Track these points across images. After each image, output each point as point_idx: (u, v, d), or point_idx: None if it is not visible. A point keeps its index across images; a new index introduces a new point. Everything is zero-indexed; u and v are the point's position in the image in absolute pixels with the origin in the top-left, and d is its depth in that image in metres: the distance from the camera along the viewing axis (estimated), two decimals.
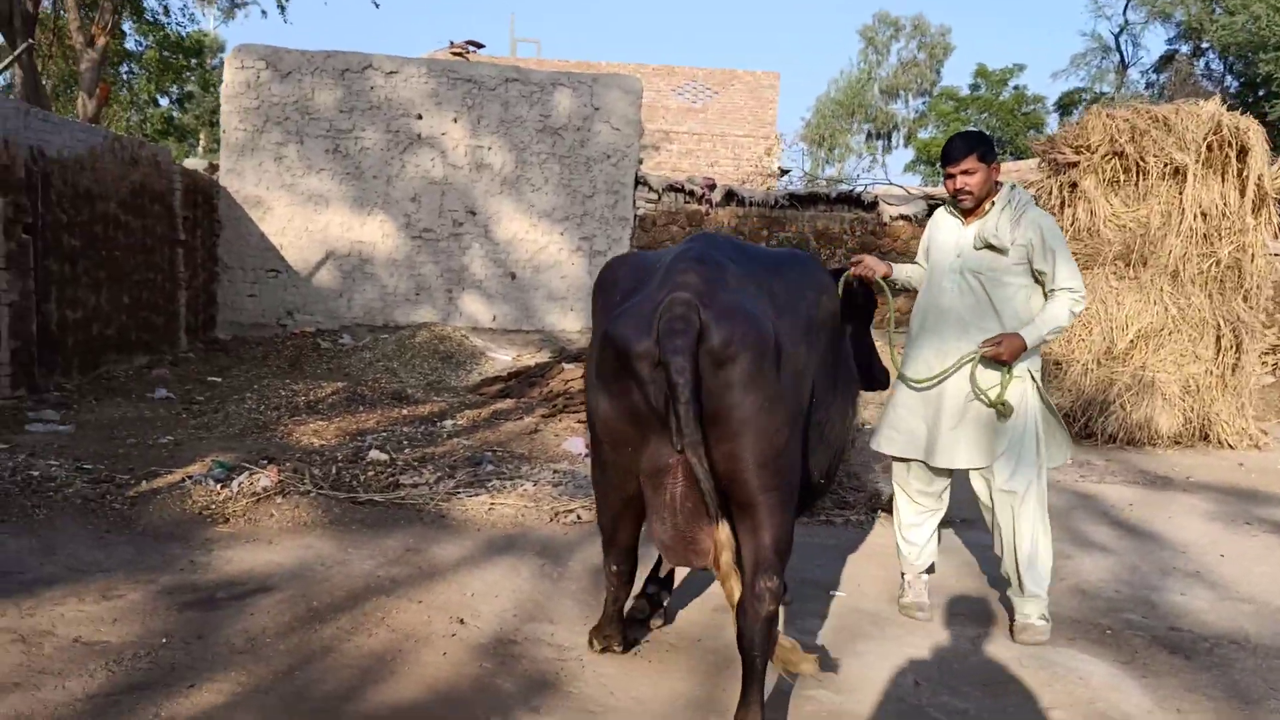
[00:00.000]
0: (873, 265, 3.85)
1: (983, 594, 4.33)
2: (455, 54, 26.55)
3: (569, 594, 4.10)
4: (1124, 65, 34.29)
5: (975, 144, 3.82)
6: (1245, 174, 8.51)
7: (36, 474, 5.51)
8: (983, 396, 3.70)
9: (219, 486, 5.21)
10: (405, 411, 8.47)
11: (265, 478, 5.31)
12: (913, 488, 3.99)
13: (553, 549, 4.71)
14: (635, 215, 12.35)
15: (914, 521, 4.01)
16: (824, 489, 3.70)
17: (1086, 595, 4.38)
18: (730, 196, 12.46)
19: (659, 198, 12.33)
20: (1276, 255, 14.55)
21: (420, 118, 12.06)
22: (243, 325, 12.34)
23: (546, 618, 3.81)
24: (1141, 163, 8.55)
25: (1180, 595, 4.39)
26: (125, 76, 27.07)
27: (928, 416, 3.85)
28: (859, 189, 12.98)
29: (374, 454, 6.38)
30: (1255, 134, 8.49)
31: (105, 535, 4.64)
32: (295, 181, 12.11)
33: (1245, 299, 8.91)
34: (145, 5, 18.11)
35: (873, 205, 12.77)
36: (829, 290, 3.48)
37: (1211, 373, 8.68)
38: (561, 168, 12.19)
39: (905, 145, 46.97)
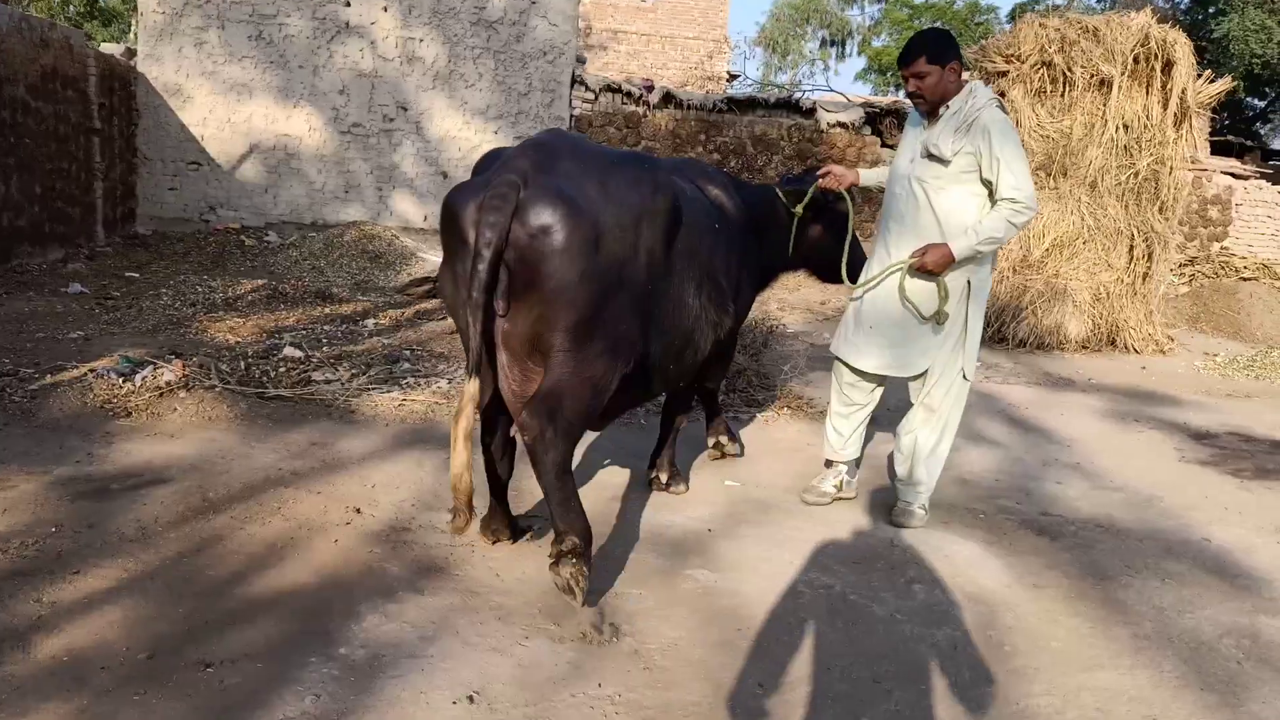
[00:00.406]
0: (839, 175, 4.04)
1: (878, 485, 4.50)
2: None
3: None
4: None
5: (926, 45, 3.71)
6: (1170, 87, 8.61)
7: None
8: (909, 305, 3.74)
9: (122, 381, 5.16)
10: (328, 310, 8.41)
11: (170, 372, 5.26)
12: (843, 381, 4.11)
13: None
14: (571, 115, 12.13)
15: (840, 412, 4.14)
16: (681, 376, 3.71)
17: (968, 484, 4.60)
18: (669, 99, 12.29)
19: (596, 98, 12.11)
20: (1199, 167, 14.88)
21: (349, 4, 11.60)
22: (164, 220, 12.00)
23: (444, 506, 3.88)
24: (1069, 73, 8.60)
25: (1056, 484, 4.63)
26: None
27: (857, 318, 4.00)
28: (798, 95, 12.85)
29: (288, 350, 6.34)
30: (1182, 48, 8.56)
31: (2, 428, 4.59)
32: (217, 69, 11.65)
33: (1161, 210, 9.12)
34: None
35: (811, 112, 12.69)
36: (666, 189, 3.34)
37: (1123, 281, 8.93)
38: (496, 64, 11.87)
39: (859, 53, 46.38)
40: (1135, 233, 8.88)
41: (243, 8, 11.51)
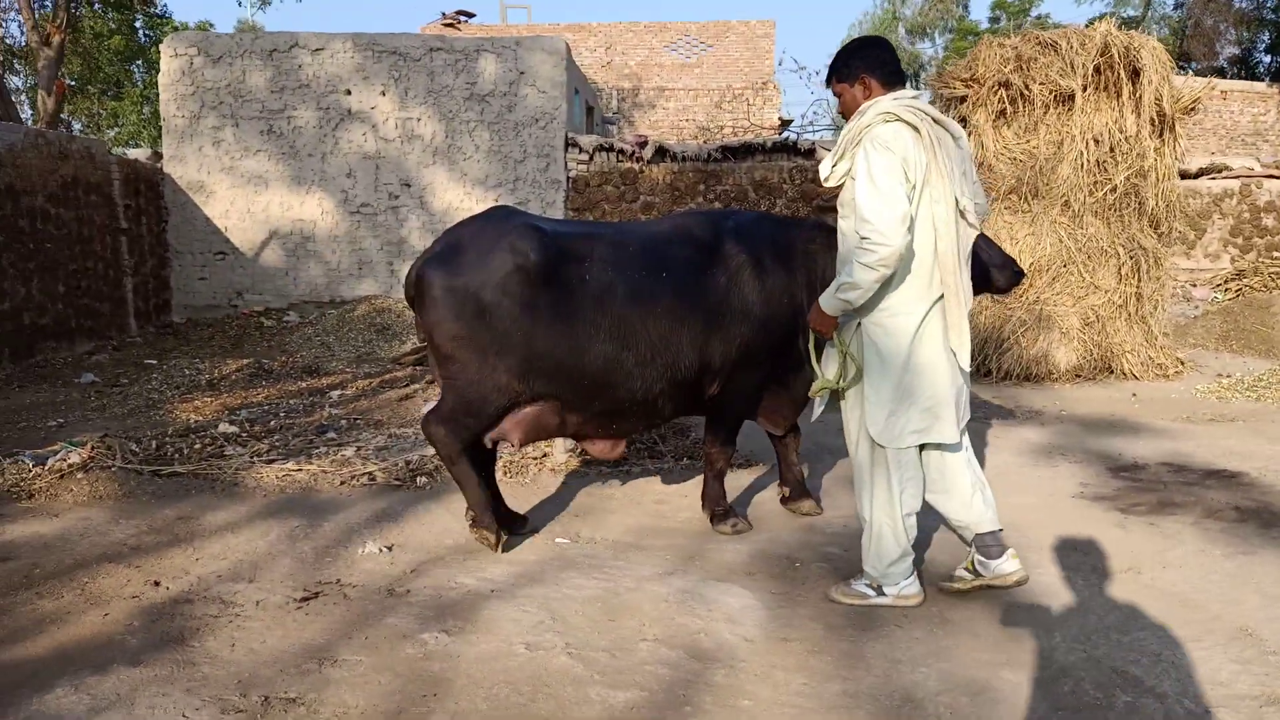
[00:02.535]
0: None
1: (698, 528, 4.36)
2: (447, 25, 26.71)
3: (294, 554, 4.24)
4: None
5: (834, 63, 3.44)
6: (1140, 96, 8.20)
7: None
8: (815, 372, 3.56)
9: (32, 465, 5.47)
10: (305, 384, 8.72)
11: (76, 454, 5.55)
12: None
13: (318, 510, 4.86)
14: (568, 177, 12.36)
15: None
16: (643, 406, 4.20)
17: (813, 530, 4.40)
18: (662, 153, 12.38)
19: (591, 158, 12.31)
20: (1241, 174, 14.01)
21: (349, 93, 12.20)
22: (196, 308, 12.72)
23: (249, 577, 3.96)
24: (1026, 91, 8.29)
25: None
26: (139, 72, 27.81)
27: None
28: (795, 137, 12.76)
29: (223, 427, 6.60)
30: (1149, 53, 8.17)
31: None
32: (234, 164, 12.38)
33: (1155, 225, 8.63)
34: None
35: (810, 153, 12.57)
36: (516, 250, 3.95)
37: (1113, 303, 8.45)
38: (491, 134, 12.23)
39: (925, 86, 45.70)
40: (1121, 251, 8.41)
41: (253, 105, 12.23)
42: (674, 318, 4.07)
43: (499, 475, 5.41)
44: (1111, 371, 8.48)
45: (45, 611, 3.59)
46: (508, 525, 4.33)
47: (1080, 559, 3.89)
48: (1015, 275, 3.95)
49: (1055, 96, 8.26)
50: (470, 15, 26.59)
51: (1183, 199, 10.39)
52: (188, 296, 12.75)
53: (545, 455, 5.76)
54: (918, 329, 3.24)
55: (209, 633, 3.38)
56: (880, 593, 3.46)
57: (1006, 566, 3.44)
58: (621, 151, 12.27)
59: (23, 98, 22.99)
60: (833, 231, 4.03)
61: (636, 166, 12.31)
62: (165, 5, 20.13)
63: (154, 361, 10.39)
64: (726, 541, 4.26)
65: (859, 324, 3.34)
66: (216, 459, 5.78)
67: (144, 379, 9.09)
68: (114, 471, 5.40)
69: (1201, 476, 5.17)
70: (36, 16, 14.92)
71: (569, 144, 12.24)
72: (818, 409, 3.74)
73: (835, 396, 3.56)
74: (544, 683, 2.92)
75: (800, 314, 4.23)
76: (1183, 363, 8.81)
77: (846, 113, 3.40)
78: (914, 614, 3.40)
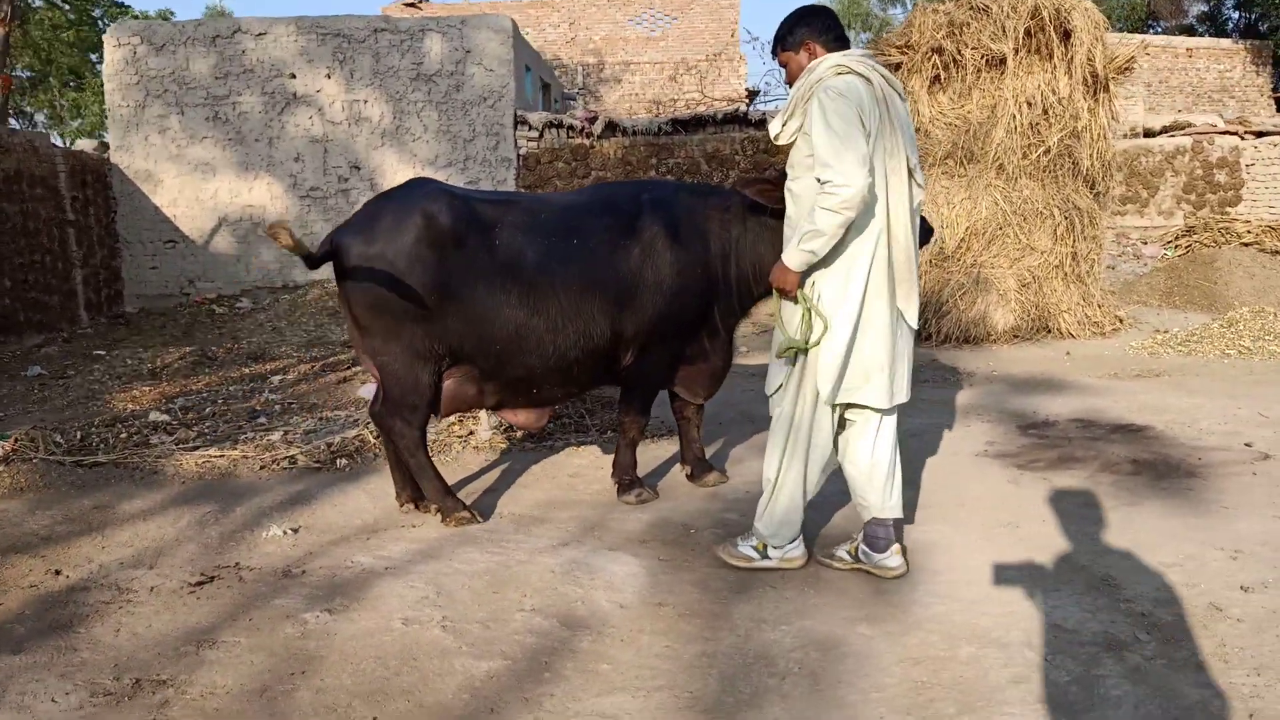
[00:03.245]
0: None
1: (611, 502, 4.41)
2: (409, 5, 26.43)
3: (200, 539, 4.27)
4: None
5: (777, 35, 3.42)
6: (1072, 57, 8.22)
7: None
8: (783, 333, 3.38)
9: None
10: (248, 370, 8.72)
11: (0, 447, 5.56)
12: None
13: (233, 496, 4.88)
14: (518, 155, 12.32)
15: None
16: (547, 376, 4.27)
17: (715, 497, 4.46)
18: (613, 127, 12.35)
19: (540, 135, 12.27)
20: (1197, 131, 14.07)
21: (294, 77, 12.11)
22: (149, 297, 12.66)
23: (149, 564, 3.98)
24: (959, 56, 8.31)
25: None
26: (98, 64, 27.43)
27: None
28: (745, 109, 12.74)
29: (154, 416, 6.61)
30: (1080, 15, 8.19)
31: None
32: (181, 152, 12.29)
33: (1091, 185, 8.69)
34: None
35: (762, 123, 12.56)
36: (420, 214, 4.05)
37: (1049, 264, 8.52)
38: (439, 114, 12.17)
39: None
40: (1056, 212, 8.47)
41: (198, 92, 12.13)
42: (585, 285, 4.12)
43: None
44: (1049, 331, 8.57)
45: None
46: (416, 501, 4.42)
47: (965, 515, 3.97)
48: (927, 233, 3.99)
49: (988, 61, 8.29)
50: None
51: (1135, 158, 10.45)
52: (140, 286, 12.69)
53: (471, 434, 5.80)
54: (866, 283, 3.22)
55: (97, 619, 3.41)
56: (765, 555, 3.50)
57: (889, 561, 3.41)
58: (571, 128, 12.23)
59: None
60: (748, 200, 4.04)
61: (587, 142, 12.28)
62: None
63: (102, 352, 10.37)
64: (630, 511, 4.31)
65: (813, 280, 3.28)
66: (140, 448, 5.79)
67: (87, 370, 9.07)
68: (36, 463, 5.41)
69: (1108, 431, 5.25)
70: None
71: (518, 121, 12.19)
72: (777, 376, 3.53)
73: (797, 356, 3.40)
74: (412, 656, 2.97)
75: (715, 284, 4.27)
76: (1121, 320, 8.90)
77: (793, 81, 3.36)
78: (791, 574, 3.47)
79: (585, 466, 5.14)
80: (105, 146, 12.72)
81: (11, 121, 28.62)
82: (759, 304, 4.44)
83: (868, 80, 3.16)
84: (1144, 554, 3.50)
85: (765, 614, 3.15)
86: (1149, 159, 14.16)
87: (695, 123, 12.51)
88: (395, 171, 12.28)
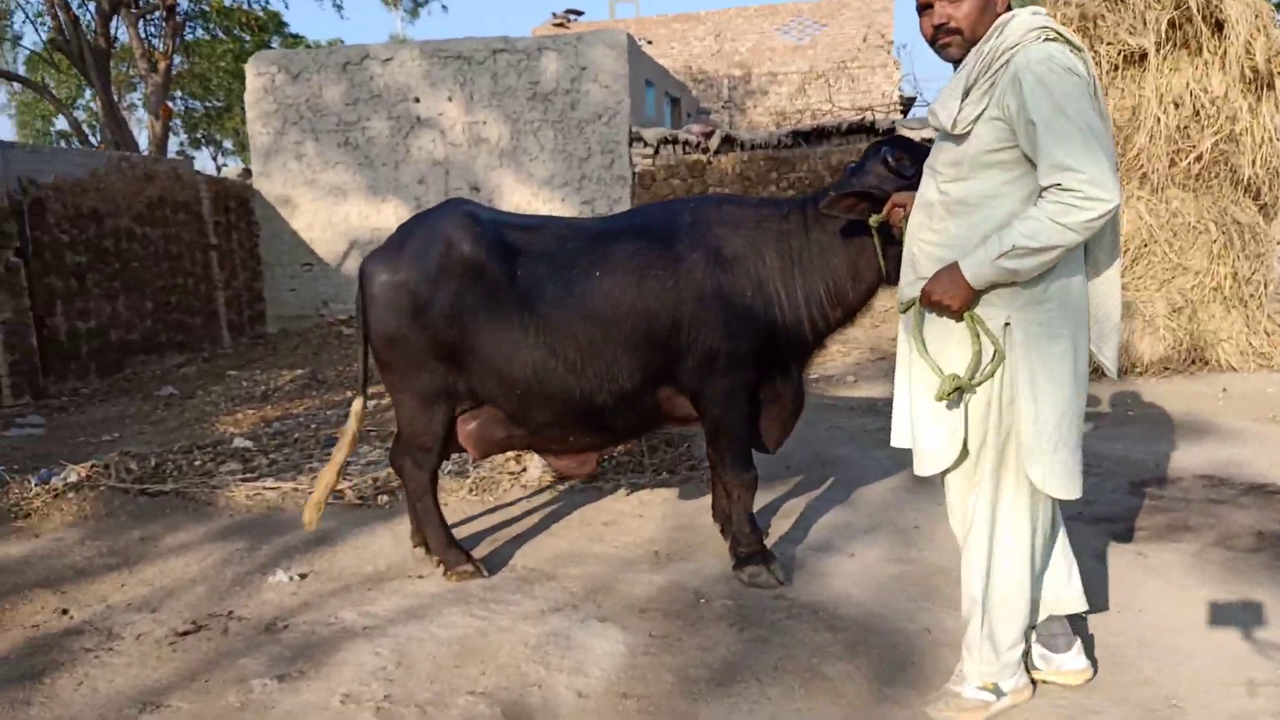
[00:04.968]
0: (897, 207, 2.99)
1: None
2: (557, 25, 26.89)
3: (213, 581, 4.19)
4: None
5: None
6: (1225, 51, 7.20)
7: None
8: (928, 361, 2.58)
9: (34, 484, 5.70)
10: (350, 394, 8.84)
11: (74, 473, 5.74)
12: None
13: (268, 532, 4.82)
14: (633, 173, 12.10)
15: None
16: (597, 417, 3.88)
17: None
18: (730, 142, 11.93)
19: (656, 152, 12.01)
20: None
21: (418, 100, 12.35)
22: (287, 318, 13.22)
23: (154, 607, 3.92)
24: (1094, 53, 7.43)
25: (849, 556, 3.90)
26: None
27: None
28: (873, 119, 12.04)
29: (237, 442, 6.72)
30: (1236, 2, 7.16)
31: None
32: (316, 177, 12.77)
33: (1255, 196, 7.60)
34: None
35: (889, 133, 11.81)
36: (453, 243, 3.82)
37: (1205, 285, 7.49)
38: (555, 133, 12.12)
39: None
40: (1212, 226, 7.43)
41: (330, 119, 12.57)
42: (605, 322, 3.70)
43: (465, 494, 5.28)
44: (1206, 363, 7.51)
45: None
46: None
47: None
48: None
49: (1125, 57, 7.37)
50: (579, 14, 26.65)
51: None
52: (280, 308, 13.27)
53: (524, 470, 5.55)
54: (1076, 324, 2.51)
55: (68, 670, 3.34)
56: (999, 693, 2.68)
57: (1074, 663, 2.75)
58: (687, 143, 11.90)
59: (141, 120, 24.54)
60: (812, 209, 3.59)
61: (704, 158, 11.91)
62: (287, 25, 21.06)
63: (235, 372, 10.84)
64: (644, 572, 3.92)
65: (1007, 322, 2.49)
66: (205, 478, 5.85)
67: (208, 391, 9.46)
68: (103, 491, 5.55)
69: (1239, 493, 4.43)
70: (146, 44, 15.95)
71: (633, 138, 11.97)
72: (933, 429, 2.61)
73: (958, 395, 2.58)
74: None
75: (773, 307, 3.69)
76: None
77: (960, 22, 2.47)
78: (784, 665, 2.99)
79: (625, 512, 4.78)
80: (248, 173, 13.39)
81: (199, 151, 30.88)
82: (841, 329, 3.86)
83: (1080, 53, 2.40)
84: (1231, 668, 2.81)
85: (739, 716, 2.70)
86: None
87: (819, 134, 11.91)
88: (512, 191, 12.32)
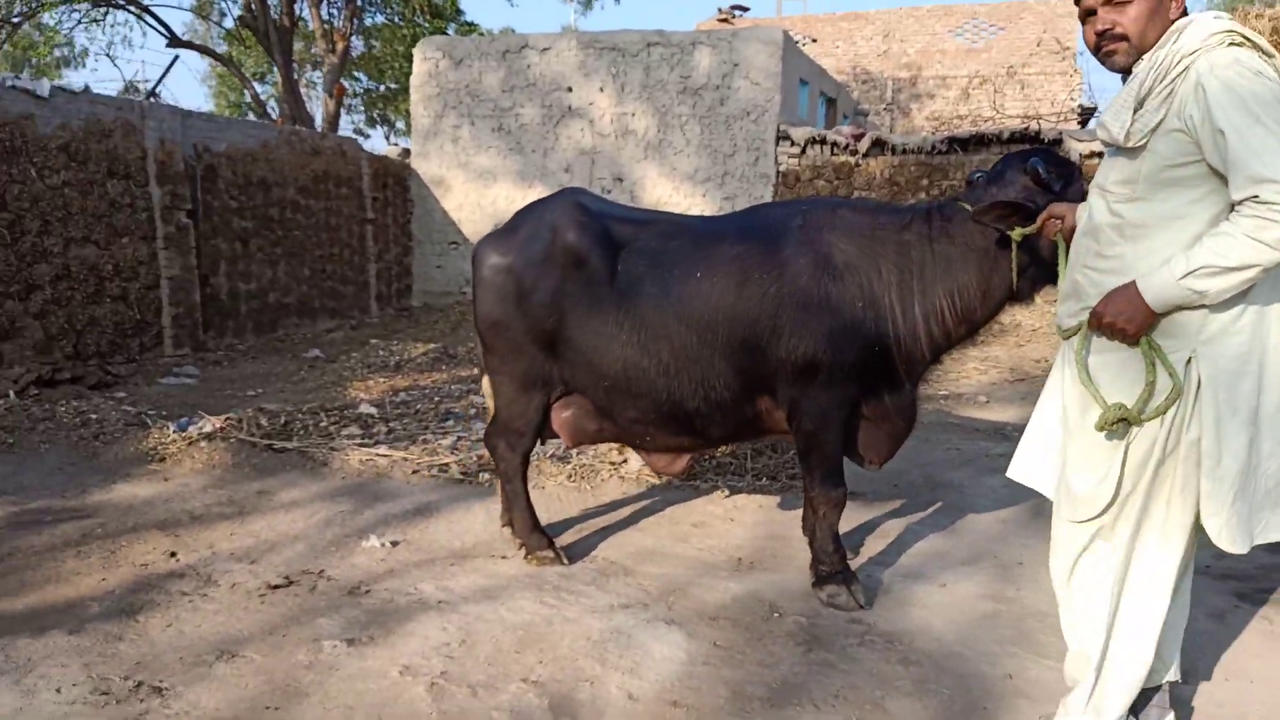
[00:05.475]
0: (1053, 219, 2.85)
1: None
2: (722, 20, 26.80)
3: (313, 539, 4.36)
4: None
5: None
6: None
7: (95, 416, 6.77)
8: (1091, 389, 2.35)
9: (172, 430, 6.09)
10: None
11: (210, 424, 6.11)
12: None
13: (374, 497, 4.99)
14: (778, 172, 11.90)
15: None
16: (693, 419, 3.79)
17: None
18: (880, 145, 11.55)
19: (803, 151, 11.76)
20: None
21: (570, 90, 12.54)
22: (432, 294, 13.71)
23: (253, 558, 4.11)
24: None
25: (941, 586, 3.68)
26: None
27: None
28: (1037, 127, 11.40)
29: (363, 408, 7.00)
30: None
31: (63, 465, 5.67)
32: (469, 160, 13.17)
33: None
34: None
35: (1056, 143, 11.16)
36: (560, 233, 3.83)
37: None
38: (702, 128, 12.05)
39: None
40: None
41: (486, 104, 12.93)
42: (701, 326, 3.61)
43: (564, 479, 5.31)
44: None
45: (64, 570, 3.94)
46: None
47: None
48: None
49: None
50: (745, 9, 26.45)
51: None
52: (426, 283, 13.76)
53: (624, 461, 5.54)
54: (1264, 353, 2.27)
55: (161, 611, 3.53)
56: None
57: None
58: (836, 144, 11.61)
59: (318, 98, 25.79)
60: (941, 217, 3.42)
61: (852, 160, 11.59)
62: (463, 14, 21.80)
63: (378, 341, 11.31)
64: (722, 579, 3.83)
65: (1190, 357, 2.24)
66: (326, 439, 6.11)
67: (348, 357, 9.91)
68: (233, 443, 5.88)
69: None
70: (326, 25, 16.85)
71: (780, 137, 11.77)
72: (1084, 473, 2.39)
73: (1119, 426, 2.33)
74: (378, 715, 2.74)
75: (885, 322, 3.51)
76: None
77: (1126, 28, 2.27)
78: (846, 694, 2.84)
79: (716, 515, 4.69)
80: (407, 152, 13.93)
81: (374, 130, 32.31)
82: (962, 346, 3.66)
83: (1271, 60, 2.19)
84: None
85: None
86: None
87: (977, 141, 11.38)
88: (655, 184, 12.34)
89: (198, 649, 3.21)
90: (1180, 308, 2.20)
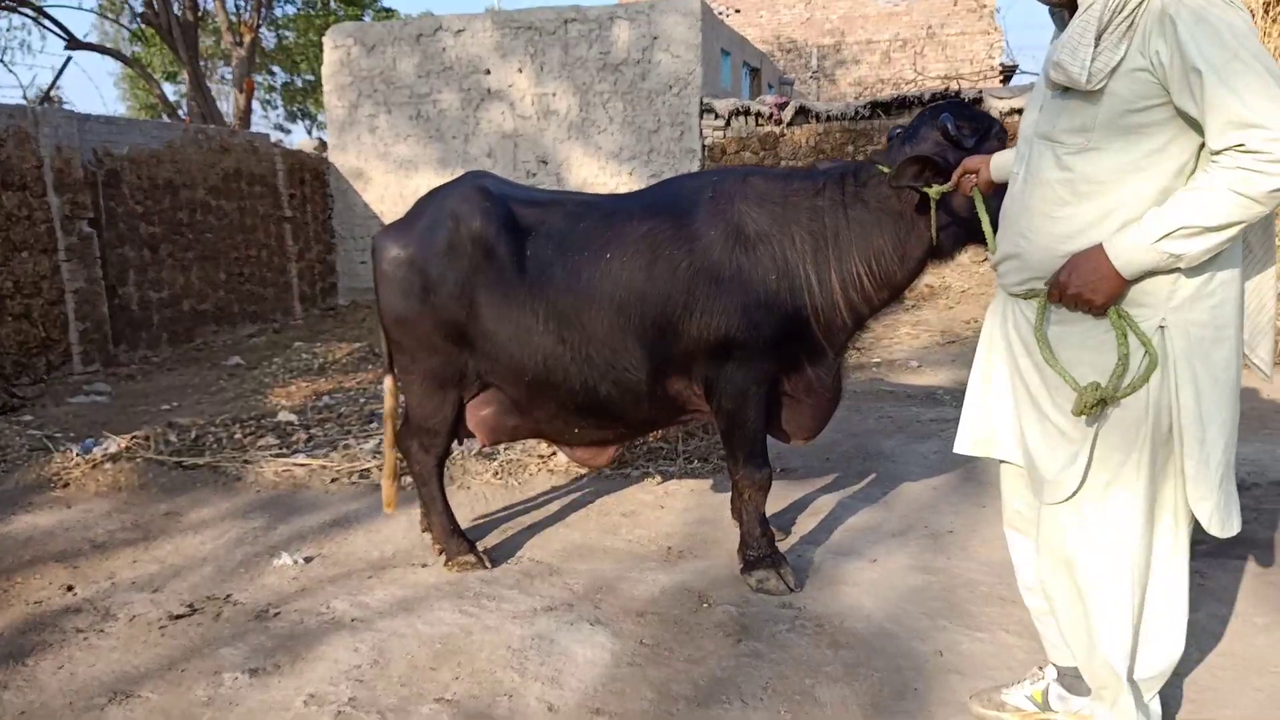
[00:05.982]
0: (968, 175, 2.70)
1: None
2: None
3: (220, 561, 4.13)
4: None
5: None
6: None
7: None
8: (1058, 370, 2.14)
9: (75, 453, 5.77)
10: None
11: (115, 444, 5.80)
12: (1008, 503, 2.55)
13: (289, 510, 4.77)
14: (703, 145, 11.75)
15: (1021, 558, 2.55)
16: (607, 404, 3.64)
17: None
18: (805, 113, 11.46)
19: (727, 123, 11.62)
20: None
21: (488, 72, 12.23)
22: (358, 290, 13.33)
23: (155, 587, 3.87)
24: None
25: (870, 562, 3.59)
26: None
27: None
28: (959, 88, 11.40)
29: (282, 415, 6.73)
30: None
31: None
32: (388, 150, 12.80)
33: None
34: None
35: (976, 103, 11.17)
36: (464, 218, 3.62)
37: None
38: (624, 105, 11.85)
39: None
40: None
41: (403, 91, 12.56)
42: (614, 308, 3.46)
43: (490, 477, 5.13)
44: None
45: None
46: None
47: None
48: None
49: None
50: None
51: None
52: (351, 280, 13.39)
53: (553, 454, 5.37)
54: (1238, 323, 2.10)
55: (54, 651, 3.30)
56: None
57: (1100, 714, 2.30)
58: (760, 114, 11.49)
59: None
60: (852, 180, 3.29)
61: (777, 130, 11.49)
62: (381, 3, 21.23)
63: (302, 344, 10.95)
64: (651, 571, 3.69)
65: (1161, 324, 2.04)
66: (239, 452, 5.84)
67: (269, 363, 9.57)
68: (139, 463, 5.59)
69: None
70: (231, 18, 16.25)
71: (704, 110, 11.62)
72: (1051, 454, 2.22)
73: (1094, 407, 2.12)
74: None
75: (801, 292, 3.35)
76: None
77: None
78: (775, 685, 2.72)
79: (647, 503, 4.56)
80: (323, 145, 13.50)
81: (295, 125, 31.46)
82: (885, 311, 3.55)
83: None
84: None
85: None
86: None
87: (900, 105, 11.34)
88: (580, 165, 12.11)
89: (90, 691, 2.99)
90: (1152, 273, 2.00)
